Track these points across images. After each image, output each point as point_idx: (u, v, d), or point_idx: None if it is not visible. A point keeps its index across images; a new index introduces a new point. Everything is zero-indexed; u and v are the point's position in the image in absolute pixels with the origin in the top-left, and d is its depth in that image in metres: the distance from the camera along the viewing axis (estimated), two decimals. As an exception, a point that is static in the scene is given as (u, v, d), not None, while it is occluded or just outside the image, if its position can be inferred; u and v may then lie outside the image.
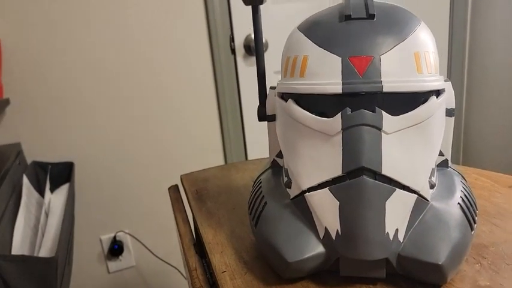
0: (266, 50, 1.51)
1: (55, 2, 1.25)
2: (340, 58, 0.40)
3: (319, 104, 0.42)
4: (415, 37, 0.41)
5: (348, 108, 0.39)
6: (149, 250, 1.55)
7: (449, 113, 0.47)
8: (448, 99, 0.46)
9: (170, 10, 1.37)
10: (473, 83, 1.87)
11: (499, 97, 1.78)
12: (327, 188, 0.40)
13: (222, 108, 1.52)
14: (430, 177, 0.42)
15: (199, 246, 0.55)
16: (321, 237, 0.40)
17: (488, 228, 0.50)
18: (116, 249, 1.48)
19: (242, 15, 1.46)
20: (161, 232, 1.57)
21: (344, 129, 0.39)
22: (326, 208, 0.40)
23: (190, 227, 0.61)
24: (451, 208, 0.41)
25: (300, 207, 0.43)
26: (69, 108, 1.34)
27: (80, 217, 1.45)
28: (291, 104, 0.43)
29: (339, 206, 0.39)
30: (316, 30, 0.43)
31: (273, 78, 1.56)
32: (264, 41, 1.47)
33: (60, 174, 1.32)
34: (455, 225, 0.40)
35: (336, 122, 0.39)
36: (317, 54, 0.41)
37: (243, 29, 1.47)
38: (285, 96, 0.46)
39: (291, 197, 0.44)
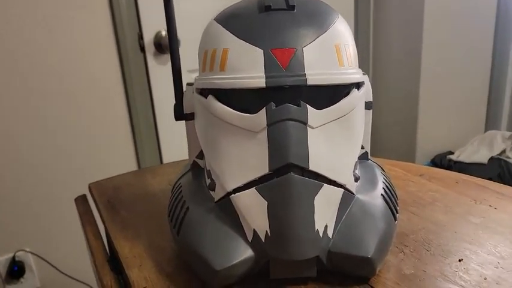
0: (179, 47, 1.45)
1: None
2: (262, 50, 0.38)
3: (241, 99, 0.40)
4: (335, 29, 0.40)
5: (272, 103, 0.37)
6: (56, 268, 1.41)
7: (367, 106, 0.47)
8: (367, 92, 0.47)
9: (71, 5, 1.26)
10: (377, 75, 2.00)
11: (398, 90, 1.93)
12: (253, 187, 0.37)
13: (132, 110, 1.43)
14: (354, 171, 0.41)
15: (114, 262, 0.49)
16: (250, 240, 0.38)
17: (406, 217, 0.51)
18: (15, 270, 1.32)
19: (151, 11, 1.38)
20: (67, 247, 1.43)
21: (269, 125, 0.37)
22: (254, 209, 0.37)
23: (103, 241, 0.55)
24: (375, 200, 0.42)
25: (226, 210, 0.40)
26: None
27: (-31, 238, 1.26)
28: (212, 100, 0.40)
29: (267, 206, 0.37)
30: (235, 21, 0.41)
31: (186, 78, 1.51)
32: (175, 39, 1.41)
33: None
34: (380, 217, 0.40)
35: (260, 118, 0.37)
36: (238, 47, 0.39)
37: (153, 25, 1.40)
38: (204, 92, 0.43)
39: (215, 200, 0.41)
